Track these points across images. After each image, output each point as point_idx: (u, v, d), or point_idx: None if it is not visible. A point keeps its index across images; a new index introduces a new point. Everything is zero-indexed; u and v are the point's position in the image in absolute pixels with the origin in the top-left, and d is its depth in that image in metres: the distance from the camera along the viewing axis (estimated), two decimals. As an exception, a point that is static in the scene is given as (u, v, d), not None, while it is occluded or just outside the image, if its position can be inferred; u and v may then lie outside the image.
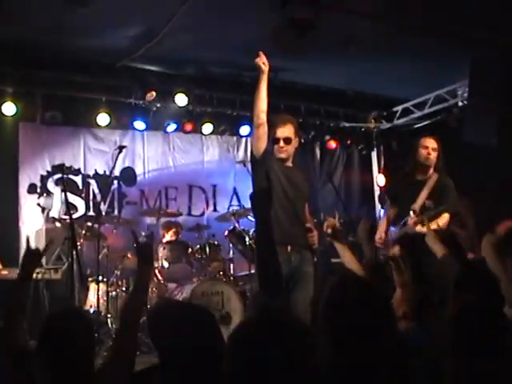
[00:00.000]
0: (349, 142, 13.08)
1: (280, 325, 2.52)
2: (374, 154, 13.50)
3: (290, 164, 6.64)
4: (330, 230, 5.69)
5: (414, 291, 4.17)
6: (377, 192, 13.30)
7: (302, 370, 2.41)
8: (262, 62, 6.27)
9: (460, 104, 11.22)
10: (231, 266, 10.17)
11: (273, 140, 6.47)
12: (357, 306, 2.84)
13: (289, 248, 6.35)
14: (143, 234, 9.56)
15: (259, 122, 6.28)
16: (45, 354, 3.38)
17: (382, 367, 2.73)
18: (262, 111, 6.29)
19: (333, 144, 12.89)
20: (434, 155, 7.42)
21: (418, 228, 6.81)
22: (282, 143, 6.48)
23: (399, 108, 12.70)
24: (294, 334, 2.49)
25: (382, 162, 13.38)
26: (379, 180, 13.22)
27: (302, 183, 6.70)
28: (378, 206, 13.19)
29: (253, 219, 9.88)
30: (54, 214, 10.38)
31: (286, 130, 6.57)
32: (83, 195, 10.85)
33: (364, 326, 2.80)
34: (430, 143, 7.45)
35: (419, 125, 12.41)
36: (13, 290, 4.03)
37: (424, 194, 7.29)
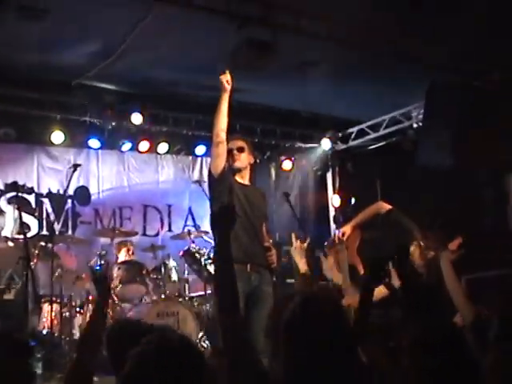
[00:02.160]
0: (304, 162, 13.11)
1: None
2: (329, 175, 13.51)
3: (247, 182, 6.79)
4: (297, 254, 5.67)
5: None
6: (332, 213, 13.32)
7: None
8: (226, 79, 6.40)
9: (415, 126, 11.33)
10: (186, 286, 10.09)
11: (228, 152, 6.58)
12: (317, 326, 2.82)
13: (248, 267, 6.41)
14: (98, 253, 9.51)
15: (218, 140, 6.38)
16: None
17: None
18: (222, 130, 6.39)
19: (288, 164, 12.90)
20: None
21: None
22: (235, 151, 6.63)
23: (354, 129, 12.77)
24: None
25: (337, 183, 13.41)
26: (334, 201, 13.25)
27: (260, 202, 6.84)
28: (333, 226, 13.21)
29: (208, 240, 9.90)
30: (6, 233, 10.17)
31: (237, 142, 6.77)
32: (36, 214, 10.69)
33: (324, 345, 2.78)
34: None
35: (374, 146, 12.50)
36: None
37: None
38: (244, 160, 6.76)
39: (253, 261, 6.47)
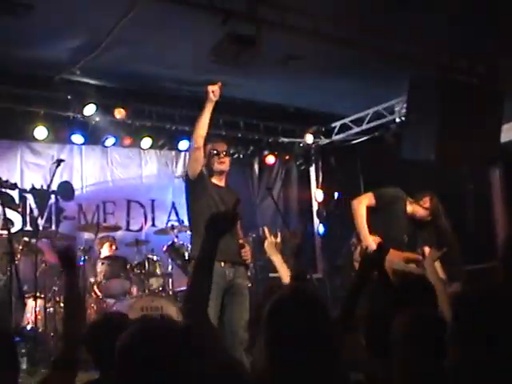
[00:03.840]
0: (287, 157, 13.16)
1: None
2: (312, 170, 13.55)
3: (222, 184, 7.06)
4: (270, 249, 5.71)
5: None
6: (315, 207, 13.36)
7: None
8: (213, 90, 6.63)
9: (397, 120, 11.39)
10: (170, 281, 10.08)
11: (213, 154, 6.86)
12: (295, 321, 2.83)
13: (222, 264, 6.63)
14: (81, 248, 9.52)
15: (196, 146, 6.66)
16: None
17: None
18: (201, 136, 6.66)
19: (271, 159, 12.93)
20: None
21: None
22: (222, 154, 6.89)
23: (337, 124, 12.80)
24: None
25: (321, 178, 13.44)
26: (317, 195, 13.29)
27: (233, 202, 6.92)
28: (316, 221, 13.25)
29: (191, 234, 9.93)
30: (-12, 229, 10.16)
31: (223, 146, 7.06)
32: (20, 210, 10.62)
33: (302, 336, 2.80)
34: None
35: (357, 140, 12.54)
36: None
37: None
38: (228, 164, 7.04)
39: (227, 258, 6.65)
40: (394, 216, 7.86)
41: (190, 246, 8.17)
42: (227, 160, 6.99)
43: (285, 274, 5.36)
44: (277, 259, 5.51)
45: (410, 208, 7.96)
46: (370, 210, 7.79)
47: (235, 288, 6.72)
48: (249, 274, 7.43)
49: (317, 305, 2.89)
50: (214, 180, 6.93)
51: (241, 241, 6.99)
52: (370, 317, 4.05)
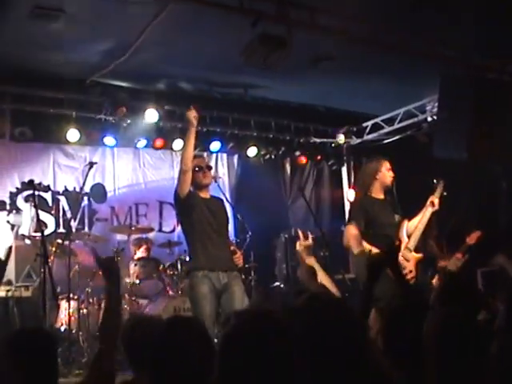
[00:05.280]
0: (319, 157, 13.12)
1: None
2: (344, 170, 13.51)
3: (208, 196, 7.38)
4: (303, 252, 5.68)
5: None
6: (347, 207, 13.31)
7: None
8: (194, 115, 6.98)
9: (429, 119, 11.31)
10: (203, 281, 10.10)
11: (197, 170, 7.20)
12: (329, 326, 2.80)
13: (216, 270, 7.02)
14: (114, 249, 9.59)
15: (186, 168, 6.96)
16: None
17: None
18: (189, 158, 6.97)
19: (303, 160, 12.91)
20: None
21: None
22: (206, 169, 7.31)
23: (369, 123, 12.76)
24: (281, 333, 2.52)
25: (352, 178, 13.38)
26: (349, 195, 13.22)
27: (221, 211, 7.48)
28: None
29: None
30: (23, 231, 10.25)
31: (205, 161, 7.80)
32: (53, 212, 10.73)
33: (336, 346, 2.76)
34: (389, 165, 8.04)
35: (389, 140, 12.47)
36: None
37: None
38: (210, 177, 7.42)
39: (220, 266, 7.05)
40: (377, 215, 7.57)
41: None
42: (210, 174, 7.37)
43: (322, 276, 5.34)
44: (310, 263, 5.49)
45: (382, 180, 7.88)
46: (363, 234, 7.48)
47: (231, 286, 7.01)
48: (243, 277, 7.88)
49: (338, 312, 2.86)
50: (201, 194, 7.24)
51: (232, 247, 7.47)
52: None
